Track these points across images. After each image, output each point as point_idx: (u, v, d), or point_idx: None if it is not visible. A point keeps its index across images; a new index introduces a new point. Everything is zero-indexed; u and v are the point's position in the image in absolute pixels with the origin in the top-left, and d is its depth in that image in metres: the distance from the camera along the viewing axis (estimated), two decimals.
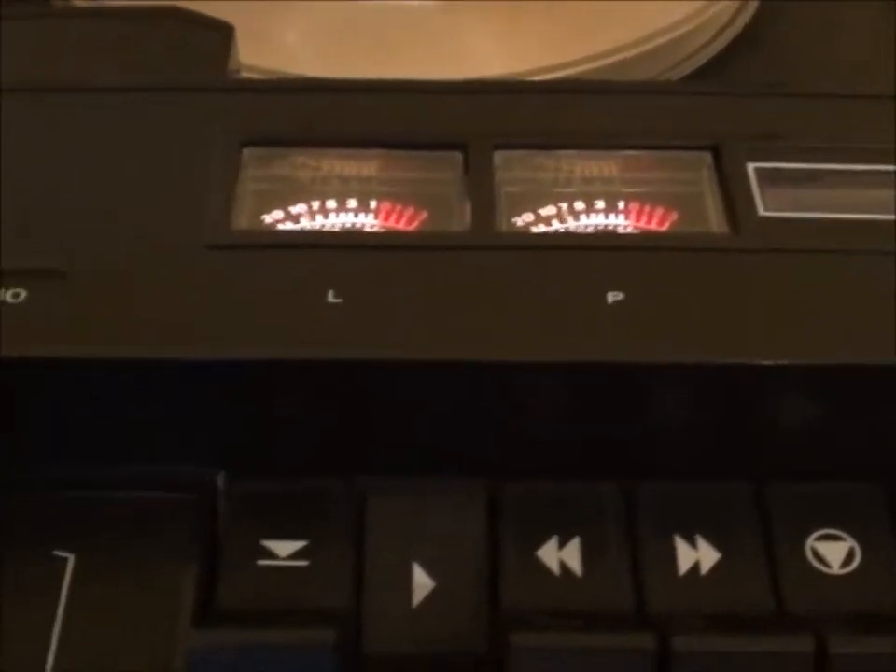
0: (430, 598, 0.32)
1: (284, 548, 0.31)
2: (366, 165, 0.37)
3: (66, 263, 0.32)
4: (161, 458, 0.33)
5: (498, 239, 0.34)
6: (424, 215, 0.36)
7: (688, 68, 0.46)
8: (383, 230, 0.35)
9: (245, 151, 0.35)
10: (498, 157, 0.36)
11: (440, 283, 0.33)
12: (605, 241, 0.35)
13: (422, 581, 0.32)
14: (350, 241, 0.34)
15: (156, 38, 0.39)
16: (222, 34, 0.39)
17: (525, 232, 0.35)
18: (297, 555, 0.31)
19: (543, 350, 0.32)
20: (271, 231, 0.35)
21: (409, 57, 0.46)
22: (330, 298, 0.32)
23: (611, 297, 0.32)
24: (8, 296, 0.32)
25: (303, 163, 0.37)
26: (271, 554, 0.31)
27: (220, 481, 0.33)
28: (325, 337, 0.31)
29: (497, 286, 0.33)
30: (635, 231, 0.36)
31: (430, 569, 0.32)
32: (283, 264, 0.33)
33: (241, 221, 0.35)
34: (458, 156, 0.36)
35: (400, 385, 0.32)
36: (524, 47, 0.45)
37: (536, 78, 0.44)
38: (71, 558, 0.31)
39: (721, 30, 0.47)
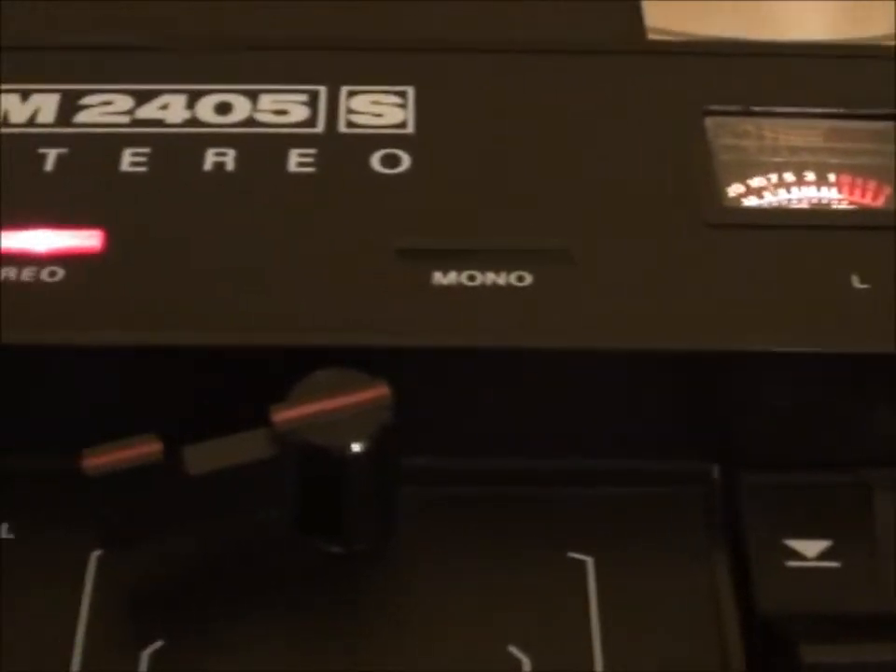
0: None
1: (810, 548, 0.30)
2: (811, 134, 0.35)
3: (569, 244, 0.31)
4: (652, 452, 0.31)
5: None
6: (888, 189, 0.34)
7: None
8: (856, 206, 0.33)
9: (708, 120, 0.34)
10: None
11: None
12: None
13: None
14: (861, 221, 0.32)
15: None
16: None
17: None
18: (825, 556, 0.30)
19: None
20: (772, 210, 0.32)
21: (729, 18, 0.44)
22: (856, 283, 0.30)
23: None
24: (513, 279, 0.30)
25: (745, 132, 0.35)
26: (799, 555, 0.30)
27: (715, 473, 0.31)
28: (852, 326, 0.30)
29: None
30: None
31: None
32: (789, 244, 0.31)
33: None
34: None
35: None
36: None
37: None
38: (590, 561, 0.30)
39: None
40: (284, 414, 0.27)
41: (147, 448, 0.27)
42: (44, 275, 0.30)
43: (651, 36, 0.37)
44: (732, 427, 0.31)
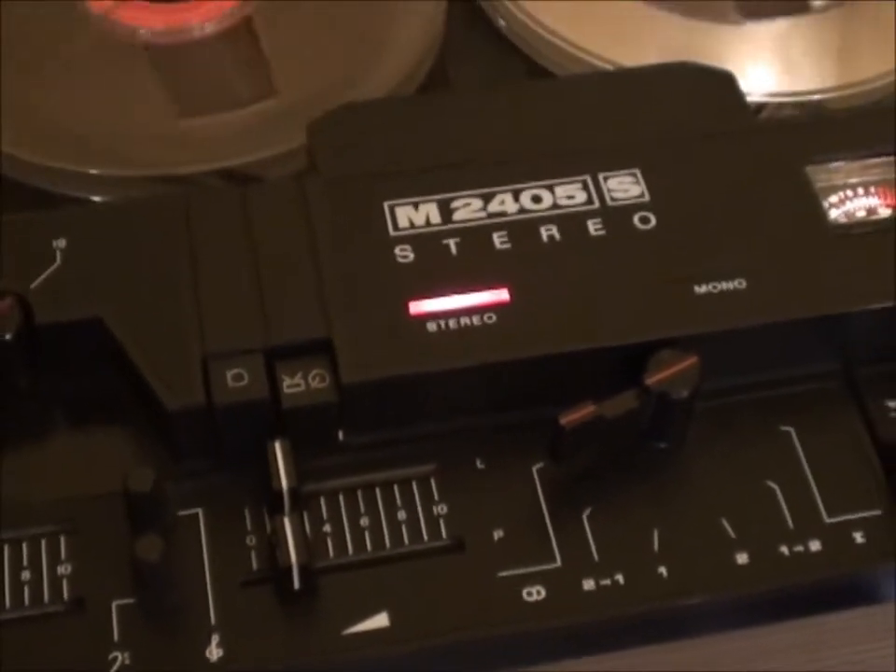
0: None
1: None
2: None
3: (765, 262, 0.54)
4: None
5: None
6: None
7: None
8: None
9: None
10: None
11: None
12: None
13: None
14: None
15: None
16: None
17: None
18: None
19: None
20: None
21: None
22: None
23: None
24: (736, 283, 0.53)
25: None
26: None
27: None
28: None
29: None
30: None
31: None
32: None
33: None
34: None
35: None
36: None
37: None
38: None
39: None
40: (655, 378, 0.50)
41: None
42: (485, 319, 0.52)
43: None
44: None
